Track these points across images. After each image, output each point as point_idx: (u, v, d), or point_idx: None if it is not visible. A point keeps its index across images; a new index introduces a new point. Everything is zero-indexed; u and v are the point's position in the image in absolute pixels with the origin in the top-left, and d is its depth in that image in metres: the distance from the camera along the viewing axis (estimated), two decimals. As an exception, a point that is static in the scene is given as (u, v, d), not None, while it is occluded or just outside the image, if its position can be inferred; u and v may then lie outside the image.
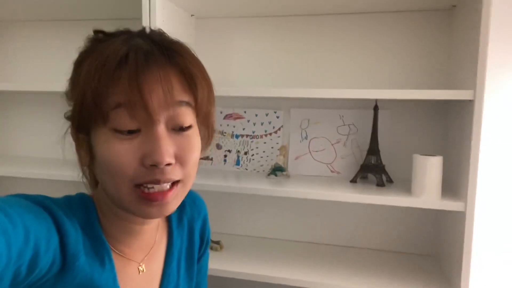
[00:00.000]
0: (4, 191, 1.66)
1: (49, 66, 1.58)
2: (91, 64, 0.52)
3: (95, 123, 0.52)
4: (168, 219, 0.71)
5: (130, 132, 0.51)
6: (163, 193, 0.53)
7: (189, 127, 0.55)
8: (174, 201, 0.56)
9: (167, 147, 0.51)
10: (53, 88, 1.24)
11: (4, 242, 0.39)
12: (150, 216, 0.55)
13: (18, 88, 1.32)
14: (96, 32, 0.58)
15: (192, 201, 0.76)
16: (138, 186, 0.53)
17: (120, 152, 0.51)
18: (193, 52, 0.59)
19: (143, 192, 0.52)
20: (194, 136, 0.57)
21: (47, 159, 1.56)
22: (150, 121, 0.51)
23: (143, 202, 0.53)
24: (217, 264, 1.19)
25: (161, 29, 0.60)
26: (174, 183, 0.55)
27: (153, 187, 0.53)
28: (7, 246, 0.39)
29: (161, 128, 0.52)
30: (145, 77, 0.50)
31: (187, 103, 0.54)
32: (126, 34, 0.56)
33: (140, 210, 0.54)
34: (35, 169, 1.32)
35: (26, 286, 0.47)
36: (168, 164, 0.52)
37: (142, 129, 0.52)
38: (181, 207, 0.73)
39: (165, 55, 0.53)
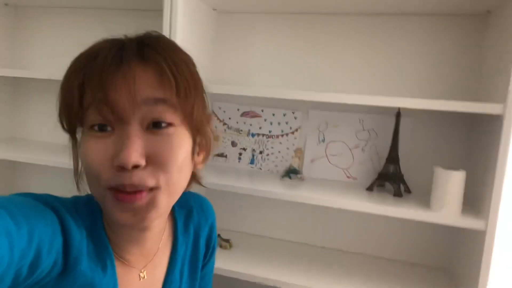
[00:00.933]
0: (21, 176, 1.70)
1: (67, 54, 1.58)
2: (68, 69, 0.54)
3: (76, 125, 0.53)
4: (174, 226, 0.69)
5: (104, 129, 0.50)
6: (131, 195, 0.49)
7: (169, 125, 0.51)
8: (150, 209, 0.51)
9: (135, 147, 0.48)
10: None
11: (7, 244, 0.38)
12: (126, 223, 0.51)
13: (36, 76, 1.33)
14: None
15: (199, 207, 0.74)
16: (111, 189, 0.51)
17: (94, 150, 0.50)
18: (176, 47, 0.56)
19: (116, 192, 0.50)
20: (177, 136, 0.52)
21: (64, 146, 1.57)
22: (119, 120, 0.49)
23: (117, 205, 0.50)
24: (225, 262, 1.18)
25: (162, 34, 0.58)
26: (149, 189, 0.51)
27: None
28: (9, 248, 0.39)
29: (132, 127, 0.49)
30: (110, 75, 0.49)
31: (164, 101, 0.51)
32: (121, 37, 0.56)
33: (115, 215, 0.51)
34: (52, 156, 1.33)
35: (26, 287, 0.46)
36: (137, 167, 0.48)
37: (116, 128, 0.50)
38: (188, 213, 0.72)
39: (138, 51, 0.52)
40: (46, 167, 1.40)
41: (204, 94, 0.59)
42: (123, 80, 0.49)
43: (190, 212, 0.72)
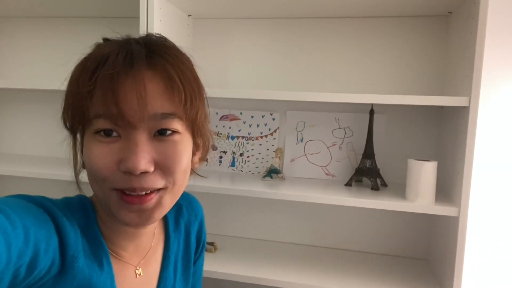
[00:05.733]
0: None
1: (45, 64, 1.57)
2: (76, 67, 0.54)
3: (83, 126, 0.53)
4: (165, 223, 0.70)
5: (109, 134, 0.51)
6: (141, 197, 0.51)
7: (174, 132, 0.53)
8: (156, 208, 0.53)
9: (144, 154, 0.50)
10: (49, 86, 1.23)
11: (4, 243, 0.39)
12: (131, 223, 0.53)
13: (14, 86, 1.31)
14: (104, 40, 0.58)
15: (189, 204, 0.75)
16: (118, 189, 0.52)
17: (99, 155, 0.51)
18: (179, 51, 0.57)
19: (123, 194, 0.52)
20: (181, 143, 0.54)
21: (41, 157, 1.55)
22: (129, 127, 0.51)
23: (123, 206, 0.52)
24: (211, 265, 1.19)
25: (162, 35, 0.59)
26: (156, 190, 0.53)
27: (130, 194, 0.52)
28: (7, 247, 0.39)
29: (140, 135, 0.51)
30: (119, 85, 0.49)
31: (171, 115, 0.52)
32: (125, 39, 0.56)
33: (121, 215, 0.52)
34: (29, 168, 1.31)
35: (24, 287, 0.46)
36: (145, 172, 0.50)
37: (123, 134, 0.51)
38: (178, 210, 0.73)
39: (147, 57, 0.52)
40: (24, 178, 1.37)
41: (204, 95, 0.60)
42: (134, 91, 0.50)
43: (180, 210, 0.73)
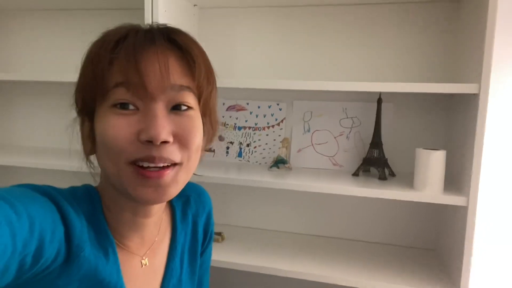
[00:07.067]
0: (6, 181, 1.67)
1: (51, 56, 1.57)
2: (93, 45, 0.55)
3: (97, 102, 0.53)
4: (172, 213, 0.71)
5: (126, 107, 0.51)
6: (159, 171, 0.52)
7: (190, 108, 0.55)
8: (172, 184, 0.54)
9: (164, 124, 0.51)
10: (56, 78, 1.24)
11: (9, 233, 0.39)
12: (146, 199, 0.53)
13: (21, 78, 1.32)
14: None
15: (197, 195, 0.75)
16: (135, 163, 0.52)
17: (116, 126, 0.51)
18: (193, 37, 0.59)
19: (139, 168, 0.51)
20: (196, 119, 0.56)
21: (49, 149, 1.56)
22: (148, 99, 0.51)
23: (139, 181, 0.52)
24: (218, 255, 1.20)
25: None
26: (173, 165, 0.54)
27: (148, 166, 0.51)
28: (12, 236, 0.39)
29: (160, 106, 0.52)
30: (143, 56, 0.51)
31: (187, 88, 0.54)
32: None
33: (137, 191, 0.52)
34: (37, 159, 1.32)
35: (31, 276, 0.47)
36: (165, 142, 0.51)
37: (141, 107, 0.52)
38: (186, 201, 0.73)
39: (164, 36, 0.55)
40: (31, 169, 1.39)
41: (215, 80, 0.62)
42: (156, 62, 0.51)
43: (188, 201, 0.73)
